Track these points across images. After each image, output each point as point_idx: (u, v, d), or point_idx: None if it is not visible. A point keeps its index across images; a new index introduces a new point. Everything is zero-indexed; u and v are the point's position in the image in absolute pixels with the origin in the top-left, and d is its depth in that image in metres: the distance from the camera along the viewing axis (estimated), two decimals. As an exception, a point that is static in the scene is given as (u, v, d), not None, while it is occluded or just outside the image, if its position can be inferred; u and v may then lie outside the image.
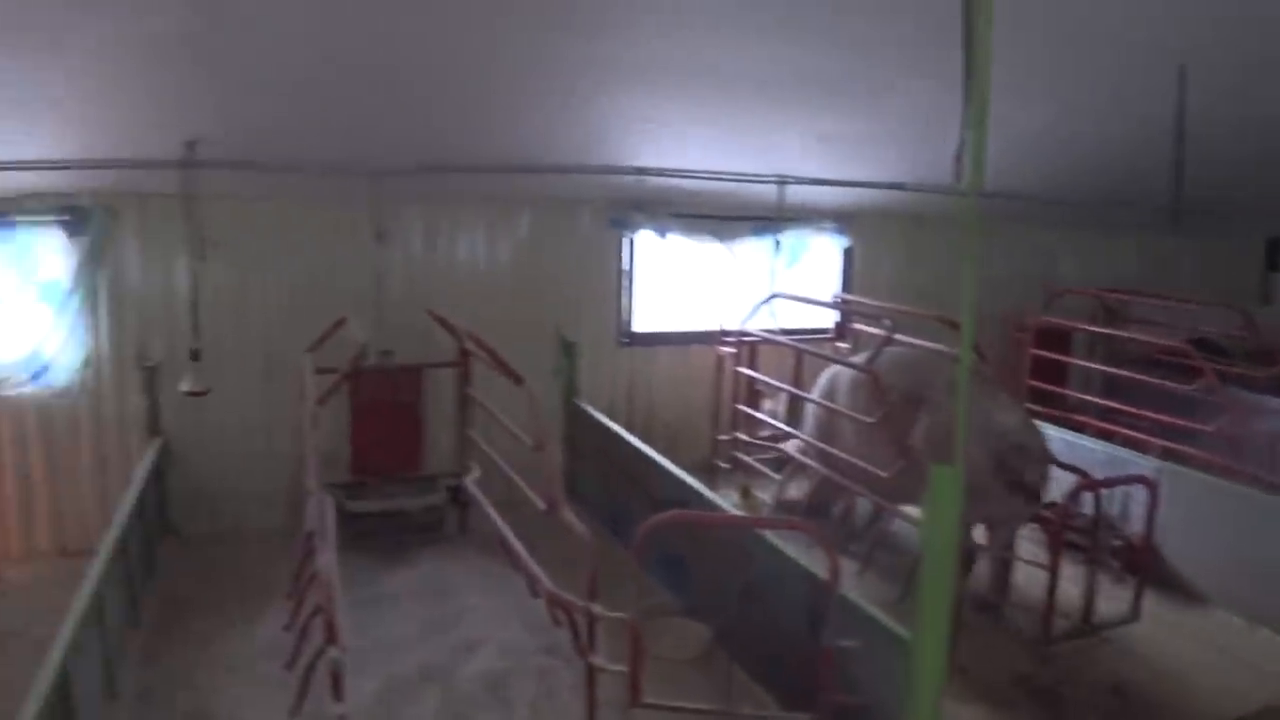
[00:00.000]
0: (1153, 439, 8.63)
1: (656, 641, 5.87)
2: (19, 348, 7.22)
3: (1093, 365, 10.13)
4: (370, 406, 7.51)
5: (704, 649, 5.81)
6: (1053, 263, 11.07)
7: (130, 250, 7.31)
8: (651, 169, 7.85)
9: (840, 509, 7.13)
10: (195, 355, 6.88)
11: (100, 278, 7.24)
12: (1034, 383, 9.65)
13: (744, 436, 8.35)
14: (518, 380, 5.74)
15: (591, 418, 7.99)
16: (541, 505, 5.47)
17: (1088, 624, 6.15)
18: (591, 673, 4.89)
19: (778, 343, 8.00)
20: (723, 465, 8.52)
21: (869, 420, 6.42)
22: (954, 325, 6.87)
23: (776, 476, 7.87)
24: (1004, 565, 6.41)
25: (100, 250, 7.19)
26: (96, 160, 6.63)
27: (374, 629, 6.06)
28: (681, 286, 9.09)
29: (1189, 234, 11.18)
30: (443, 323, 7.22)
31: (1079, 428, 8.89)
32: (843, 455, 6.83)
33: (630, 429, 8.79)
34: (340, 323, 6.92)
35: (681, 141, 7.51)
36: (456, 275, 8.13)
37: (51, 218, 7.16)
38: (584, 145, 7.53)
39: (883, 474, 6.33)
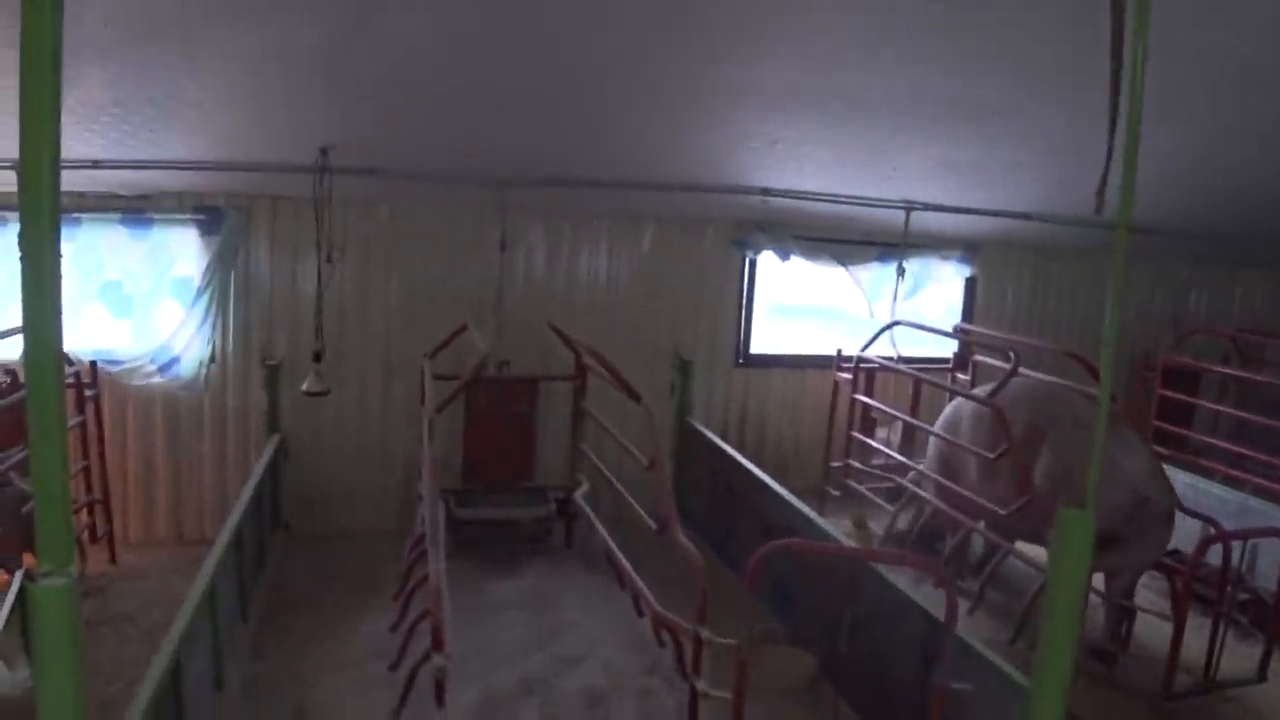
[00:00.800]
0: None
1: (761, 669, 5.77)
2: (151, 340, 7.44)
3: (1222, 408, 9.63)
4: (485, 415, 7.51)
5: (810, 679, 5.64)
6: (1184, 300, 10.57)
7: (260, 251, 7.49)
8: (776, 190, 7.70)
9: (953, 544, 6.84)
10: (318, 356, 6.96)
11: (230, 277, 7.42)
12: (1160, 424, 9.21)
13: (857, 464, 8.11)
14: (636, 397, 5.64)
15: (704, 437, 7.87)
16: (652, 524, 5.36)
17: (1211, 681, 5.77)
18: (695, 698, 4.76)
19: (896, 370, 7.76)
20: (833, 492, 8.29)
21: (990, 455, 6.15)
22: (1082, 361, 6.59)
23: (888, 507, 7.62)
24: (1123, 613, 6.06)
25: (232, 250, 7.38)
26: (233, 163, 6.80)
27: (476, 637, 6.01)
28: (802, 310, 8.91)
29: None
30: (562, 336, 7.18)
31: (1206, 473, 8.42)
32: (959, 490, 6.58)
33: (741, 450, 8.66)
34: (461, 330, 6.95)
35: (807, 163, 7.35)
36: (577, 289, 8.12)
37: (187, 216, 7.38)
38: (709, 164, 7.44)
39: (1001, 510, 6.06)
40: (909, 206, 8.08)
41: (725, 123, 6.73)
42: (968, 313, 9.41)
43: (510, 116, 6.49)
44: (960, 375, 8.27)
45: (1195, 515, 6.12)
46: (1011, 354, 6.56)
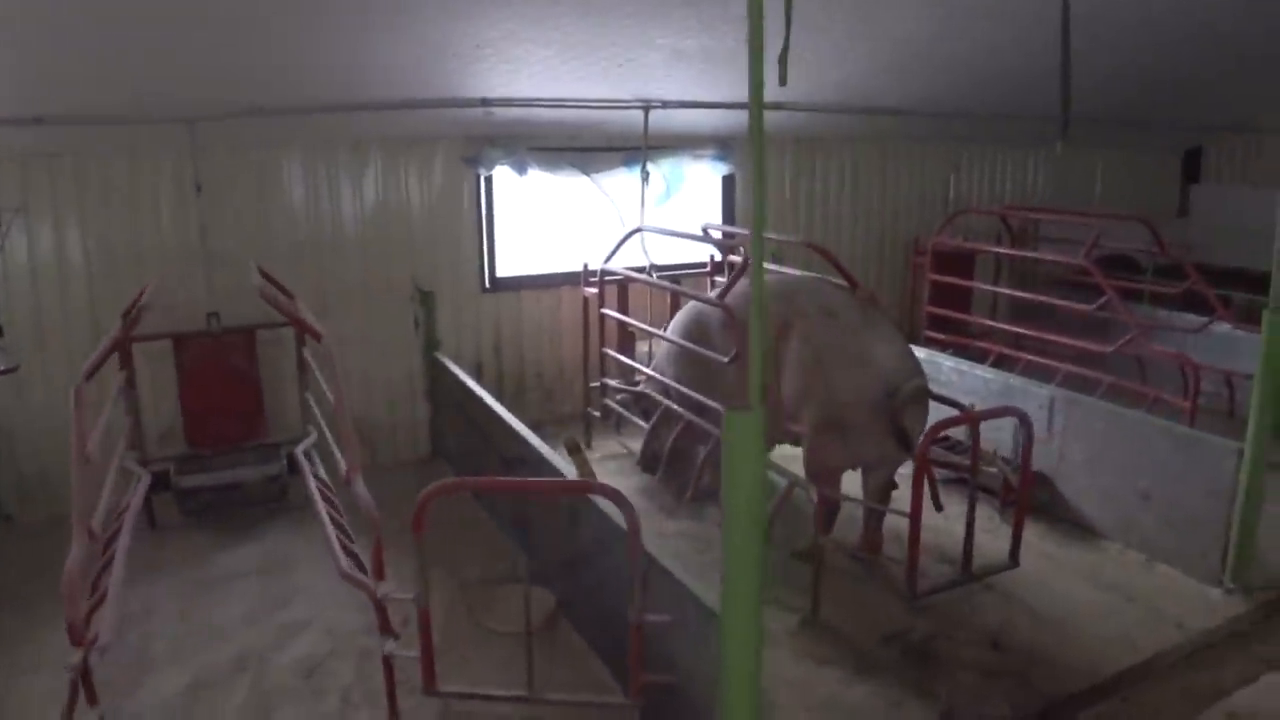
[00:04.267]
0: (1060, 364, 8.14)
1: (497, 610, 5.43)
2: None
3: (996, 289, 9.64)
4: (199, 373, 6.82)
5: (547, 618, 5.30)
6: (957, 183, 10.54)
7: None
8: (495, 99, 7.12)
9: (706, 456, 6.52)
10: (-1, 331, 6.15)
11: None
12: (934, 309, 9.15)
13: (614, 383, 7.71)
14: (315, 336, 5.11)
15: (450, 372, 7.34)
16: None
17: (966, 571, 5.63)
18: (387, 658, 4.34)
19: (644, 281, 7.36)
20: (595, 414, 7.91)
21: (724, 360, 5.80)
22: (823, 252, 6.31)
23: (644, 425, 7.28)
24: (877, 515, 5.86)
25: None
26: None
27: (198, 614, 5.56)
28: (547, 226, 8.42)
29: (1102, 146, 10.71)
30: (267, 278, 6.57)
31: (982, 356, 8.37)
32: (697, 397, 6.24)
33: (500, 381, 8.23)
34: (145, 289, 6.25)
35: (525, 66, 6.78)
36: (300, 226, 7.41)
37: None
38: (427, 78, 6.79)
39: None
40: (646, 105, 7.61)
41: (432, 28, 6.09)
42: (729, 213, 9.09)
43: (192, 42, 5.72)
44: (719, 279, 7.93)
45: (945, 401, 5.91)
46: (741, 250, 6.22)
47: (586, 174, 8.01)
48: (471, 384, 6.89)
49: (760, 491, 3.31)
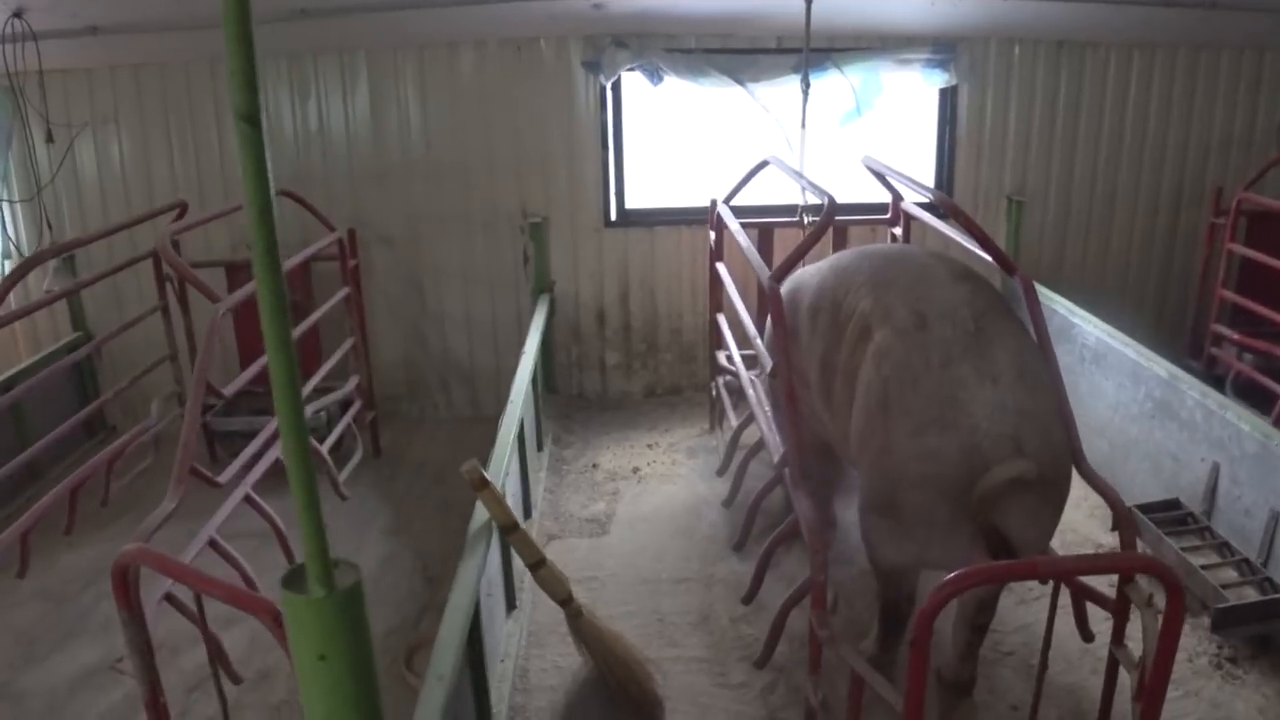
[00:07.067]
0: None
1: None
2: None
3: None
4: (250, 306, 6.20)
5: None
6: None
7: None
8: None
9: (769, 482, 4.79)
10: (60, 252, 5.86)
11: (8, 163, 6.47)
12: (1234, 296, 6.28)
13: (724, 359, 6.03)
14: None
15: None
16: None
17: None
18: None
19: (782, 224, 5.64)
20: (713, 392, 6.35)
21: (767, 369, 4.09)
22: (954, 209, 4.24)
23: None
24: (967, 638, 3.49)
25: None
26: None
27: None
28: (695, 148, 6.81)
29: None
30: (305, 205, 5.80)
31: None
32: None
33: (628, 334, 6.94)
34: (175, 208, 5.67)
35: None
36: (382, 146, 6.53)
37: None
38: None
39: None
40: (810, -12, 5.71)
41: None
42: (947, 140, 6.79)
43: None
44: (895, 231, 5.94)
45: (1101, 488, 3.45)
46: (827, 198, 4.35)
47: (740, 82, 6.28)
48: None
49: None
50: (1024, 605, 4.40)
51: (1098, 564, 3.36)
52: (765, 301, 4.31)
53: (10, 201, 6.35)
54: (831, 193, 4.39)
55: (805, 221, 5.84)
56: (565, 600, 3.96)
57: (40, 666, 4.37)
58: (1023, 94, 6.56)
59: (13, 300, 5.60)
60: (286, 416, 1.92)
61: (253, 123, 1.76)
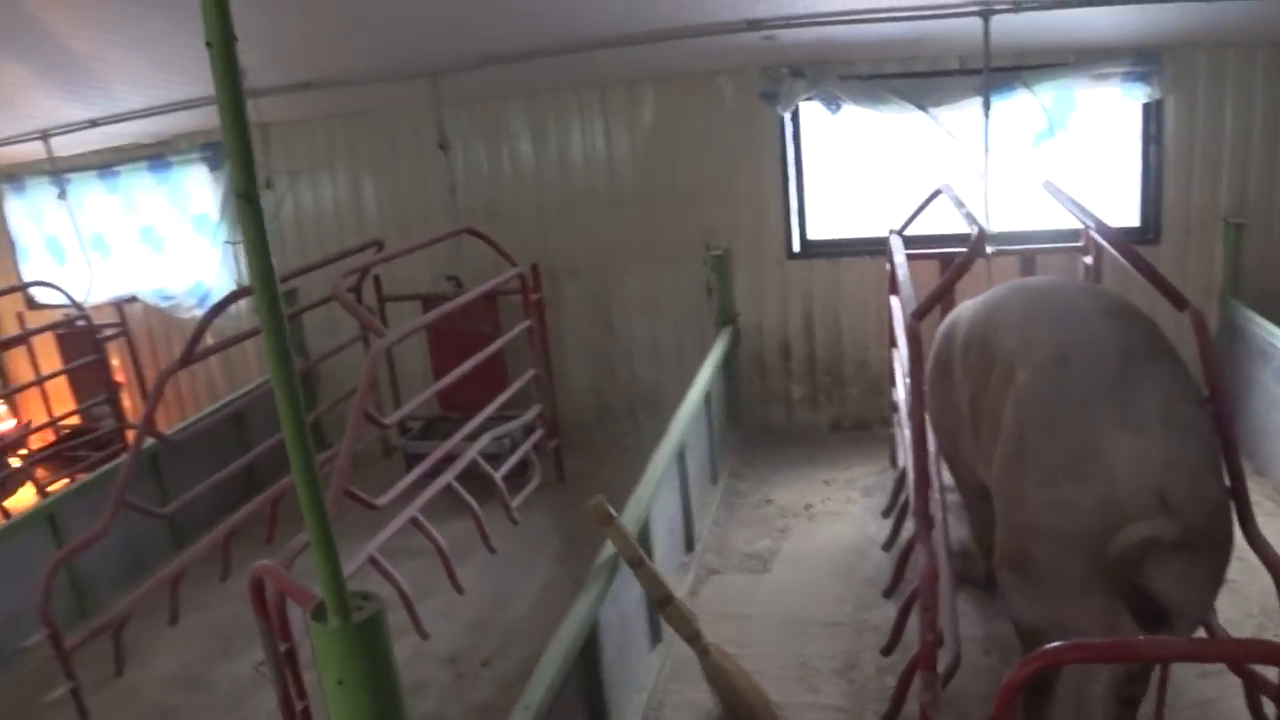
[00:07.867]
0: None
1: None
2: (185, 276, 7.57)
3: None
4: (444, 337, 6.67)
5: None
6: None
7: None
8: (772, 20, 5.61)
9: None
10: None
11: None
12: None
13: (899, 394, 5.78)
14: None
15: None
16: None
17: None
18: None
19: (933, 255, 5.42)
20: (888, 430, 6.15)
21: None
22: (1119, 242, 3.96)
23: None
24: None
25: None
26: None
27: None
28: (880, 177, 6.62)
29: None
30: (490, 243, 6.09)
31: None
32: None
33: (812, 366, 6.85)
34: (372, 245, 6.13)
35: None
36: (569, 181, 6.80)
37: (196, 155, 7.35)
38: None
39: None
40: (986, 8, 5.48)
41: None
42: (1152, 158, 6.28)
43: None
44: (1086, 260, 5.53)
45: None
46: (977, 228, 4.14)
47: (921, 107, 6.08)
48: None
49: None
50: (1205, 679, 3.97)
51: (1222, 650, 2.90)
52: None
53: (234, 243, 7.11)
54: (984, 224, 4.19)
55: (989, 253, 5.57)
56: (693, 638, 3.99)
57: (232, 661, 4.85)
58: (1239, 104, 5.95)
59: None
60: (296, 458, 2.05)
61: (250, 200, 1.92)
